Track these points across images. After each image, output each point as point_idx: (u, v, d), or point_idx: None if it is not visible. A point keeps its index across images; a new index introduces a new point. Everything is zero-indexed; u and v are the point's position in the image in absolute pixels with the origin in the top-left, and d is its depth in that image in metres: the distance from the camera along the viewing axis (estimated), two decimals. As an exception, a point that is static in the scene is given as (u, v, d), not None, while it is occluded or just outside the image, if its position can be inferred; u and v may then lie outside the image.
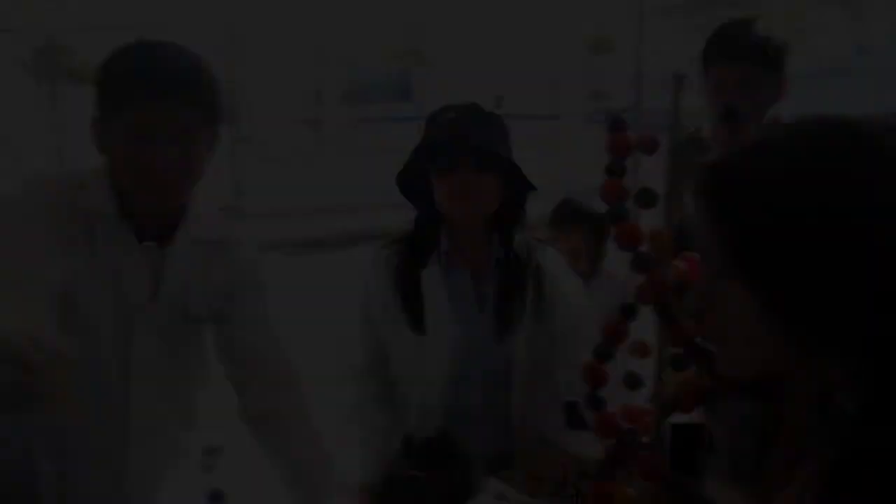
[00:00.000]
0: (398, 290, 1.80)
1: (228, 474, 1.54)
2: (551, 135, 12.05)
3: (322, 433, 1.73)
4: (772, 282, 0.79)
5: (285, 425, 1.68)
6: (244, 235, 1.68)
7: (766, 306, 0.80)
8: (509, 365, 1.83)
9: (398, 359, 1.87)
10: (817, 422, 0.89)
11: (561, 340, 1.88)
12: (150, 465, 1.62)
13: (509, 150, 1.77)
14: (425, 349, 1.79)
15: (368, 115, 12.45)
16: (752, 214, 0.79)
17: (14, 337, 1.05)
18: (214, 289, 1.58)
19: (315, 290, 6.97)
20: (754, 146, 0.85)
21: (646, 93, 9.73)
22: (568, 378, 1.77)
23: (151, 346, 1.51)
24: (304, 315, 6.23)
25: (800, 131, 0.82)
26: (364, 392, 1.90)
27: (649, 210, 1.24)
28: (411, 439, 1.67)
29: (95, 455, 1.52)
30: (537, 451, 1.83)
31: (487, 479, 1.70)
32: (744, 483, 1.73)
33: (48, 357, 1.06)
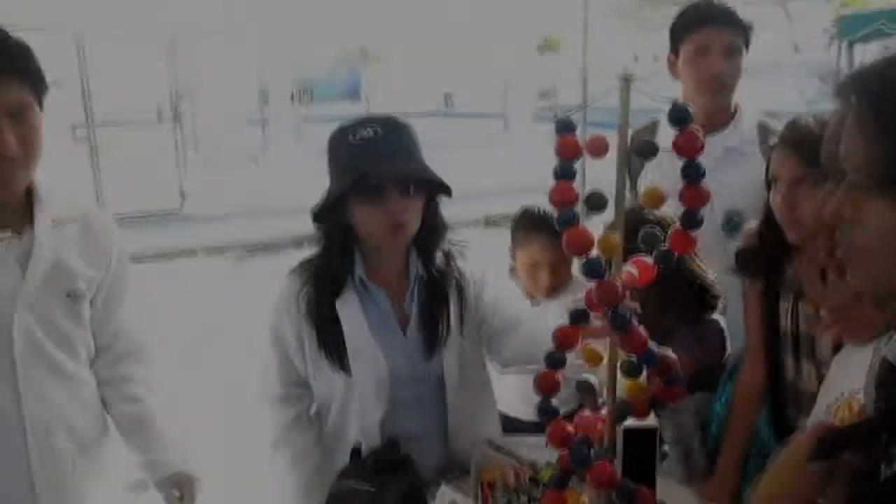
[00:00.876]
0: (314, 325, 1.68)
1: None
2: (499, 133, 12.08)
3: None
4: None
5: (136, 395, 1.71)
6: (106, 212, 1.69)
7: None
8: (441, 382, 1.74)
9: (325, 395, 1.76)
10: None
11: (496, 335, 1.77)
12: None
13: (423, 160, 1.63)
14: (353, 383, 1.69)
15: (315, 114, 12.30)
16: None
17: None
18: (90, 264, 1.61)
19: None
20: None
21: (591, 92, 9.84)
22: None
23: (32, 328, 1.52)
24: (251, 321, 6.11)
25: None
26: (284, 418, 1.78)
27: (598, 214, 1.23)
28: (359, 452, 1.63)
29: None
30: (488, 458, 1.81)
31: (439, 488, 1.66)
32: (695, 483, 1.75)
33: None
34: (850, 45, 9.58)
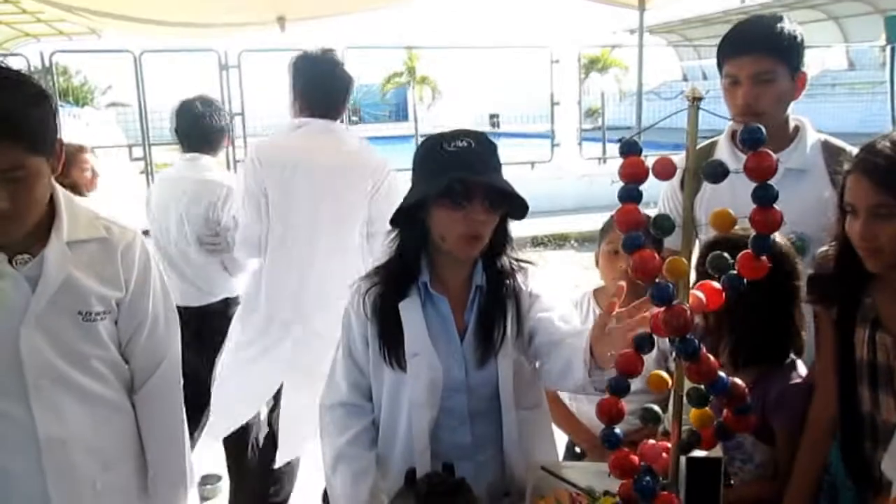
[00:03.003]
0: (378, 324, 1.70)
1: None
2: (545, 153, 12.02)
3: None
4: None
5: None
6: (130, 230, 1.69)
7: None
8: (496, 397, 1.72)
9: (381, 396, 1.77)
10: None
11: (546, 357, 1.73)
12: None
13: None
14: (407, 385, 1.69)
15: (363, 135, 12.49)
16: None
17: None
18: (106, 283, 1.61)
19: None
20: None
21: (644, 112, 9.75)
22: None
23: (41, 347, 1.53)
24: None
25: None
26: (348, 431, 1.77)
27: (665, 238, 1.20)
28: (414, 474, 1.61)
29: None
30: (544, 484, 1.77)
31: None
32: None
33: None
34: None
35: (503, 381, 1.72)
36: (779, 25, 2.01)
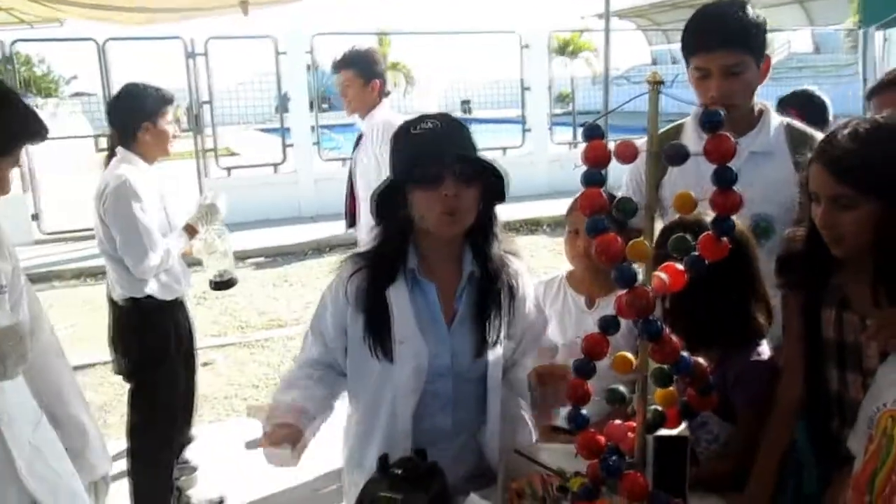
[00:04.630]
0: (362, 311, 1.72)
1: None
2: (516, 139, 12.04)
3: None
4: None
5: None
6: None
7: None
8: (482, 383, 1.76)
9: (362, 385, 1.79)
10: None
11: (523, 354, 1.85)
12: None
13: (478, 154, 1.70)
14: (391, 370, 1.71)
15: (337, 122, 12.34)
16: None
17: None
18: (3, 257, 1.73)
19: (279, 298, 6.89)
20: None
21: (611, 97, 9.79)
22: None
23: None
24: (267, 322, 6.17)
25: None
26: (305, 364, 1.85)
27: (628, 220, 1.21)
28: (386, 459, 1.62)
29: None
30: (516, 466, 1.80)
31: (468, 496, 1.65)
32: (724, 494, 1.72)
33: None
34: (874, 32, 9.18)
35: (492, 369, 1.75)
36: (742, 16, 2.02)
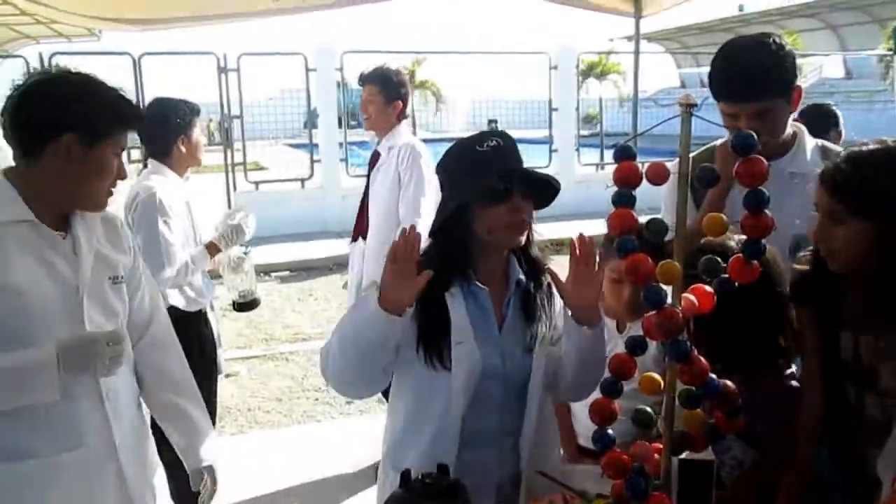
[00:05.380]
0: (422, 313, 1.72)
1: None
2: (543, 159, 12.05)
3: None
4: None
5: (169, 381, 2.04)
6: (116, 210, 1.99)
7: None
8: (524, 387, 1.79)
9: (407, 388, 1.82)
10: None
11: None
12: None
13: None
14: (450, 373, 1.74)
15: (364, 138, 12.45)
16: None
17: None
18: (120, 250, 1.90)
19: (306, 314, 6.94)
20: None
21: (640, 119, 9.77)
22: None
23: (94, 315, 1.78)
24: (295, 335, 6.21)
25: None
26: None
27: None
28: (408, 475, 1.62)
29: None
30: (538, 486, 1.79)
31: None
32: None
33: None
34: None
35: (535, 372, 1.78)
36: (766, 59, 1.99)
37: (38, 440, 1.70)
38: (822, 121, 3.58)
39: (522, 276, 1.81)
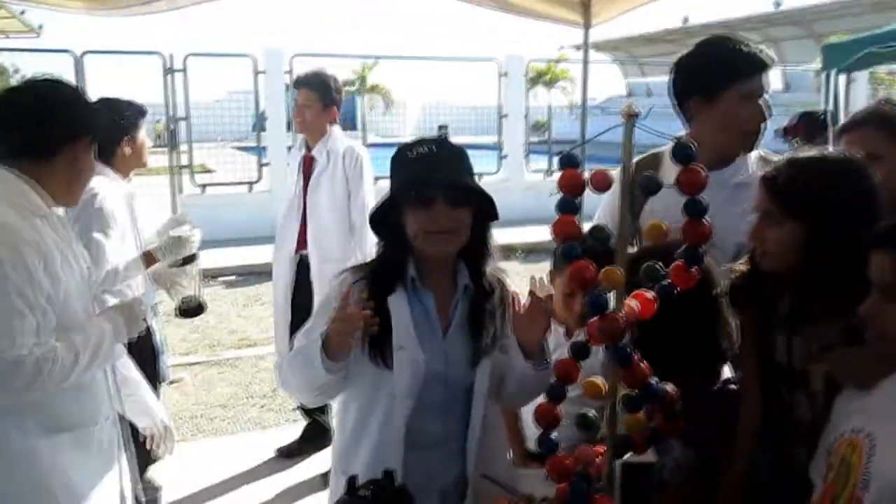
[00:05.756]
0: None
1: None
2: (492, 166, 12.13)
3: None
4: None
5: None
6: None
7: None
8: (469, 392, 1.80)
9: (357, 390, 1.82)
10: None
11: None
12: None
13: (472, 178, 1.79)
14: (386, 377, 1.75)
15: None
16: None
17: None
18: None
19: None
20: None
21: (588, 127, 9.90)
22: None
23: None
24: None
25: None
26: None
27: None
28: (355, 480, 1.61)
29: None
30: (484, 491, 1.80)
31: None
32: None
33: None
34: (837, 74, 9.43)
35: (480, 378, 1.79)
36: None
37: (80, 412, 1.91)
38: (814, 125, 4.51)
39: (470, 283, 1.81)
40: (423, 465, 1.74)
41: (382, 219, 1.79)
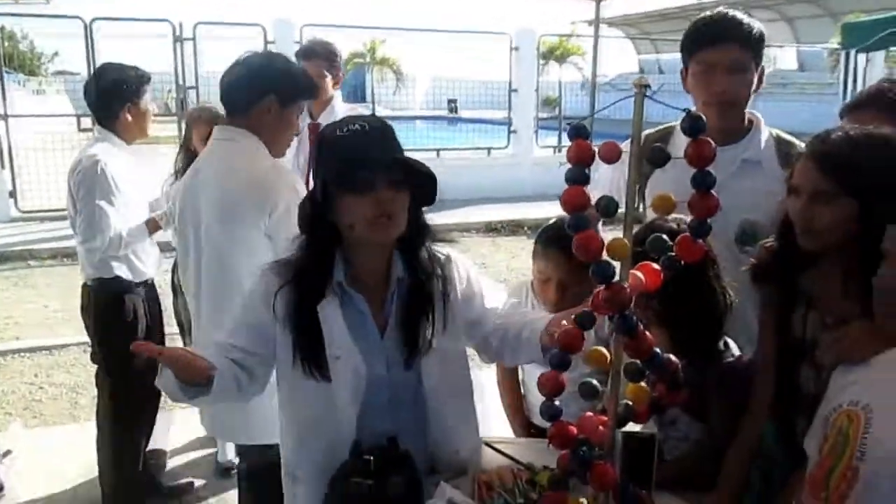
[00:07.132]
0: (294, 329, 1.64)
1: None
2: (502, 140, 12.08)
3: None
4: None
5: None
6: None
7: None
8: (419, 387, 1.72)
9: (298, 397, 1.72)
10: None
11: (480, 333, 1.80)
12: None
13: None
14: (328, 388, 1.66)
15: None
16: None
17: None
18: None
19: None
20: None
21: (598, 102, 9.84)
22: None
23: None
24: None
25: None
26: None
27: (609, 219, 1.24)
28: (359, 445, 1.64)
29: None
30: (486, 459, 1.82)
31: (439, 485, 1.68)
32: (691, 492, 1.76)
33: None
34: (857, 54, 9.32)
35: (426, 376, 1.71)
36: (746, 18, 2.12)
37: None
38: None
39: (404, 274, 1.68)
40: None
41: (308, 212, 1.62)
